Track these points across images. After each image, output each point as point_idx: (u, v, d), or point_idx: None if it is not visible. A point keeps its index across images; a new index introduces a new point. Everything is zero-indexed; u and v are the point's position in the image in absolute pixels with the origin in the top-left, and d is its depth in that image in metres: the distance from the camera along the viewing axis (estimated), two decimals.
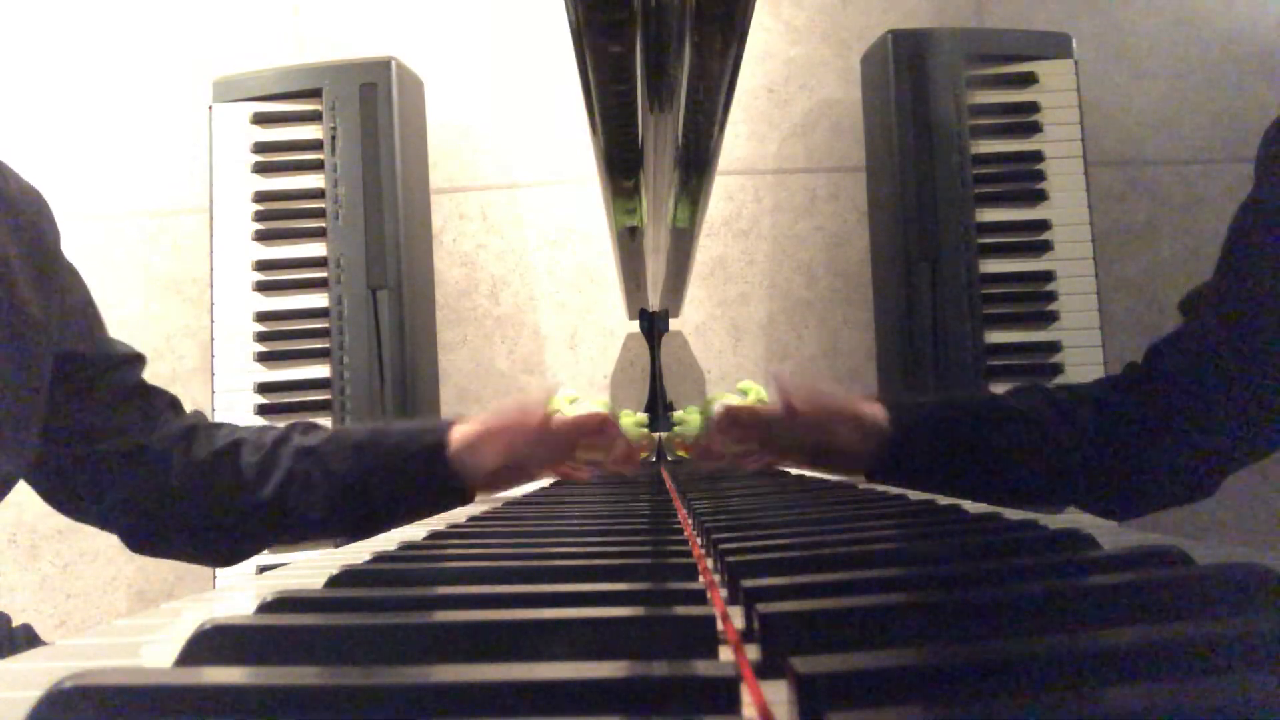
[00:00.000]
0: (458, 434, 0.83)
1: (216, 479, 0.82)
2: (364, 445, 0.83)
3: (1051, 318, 1.41)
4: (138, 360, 0.86)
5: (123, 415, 0.82)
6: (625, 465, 0.92)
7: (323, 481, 0.81)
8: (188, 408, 0.90)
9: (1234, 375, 0.75)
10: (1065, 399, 0.82)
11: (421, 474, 0.82)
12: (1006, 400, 0.84)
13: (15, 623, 0.78)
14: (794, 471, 0.93)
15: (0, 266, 0.70)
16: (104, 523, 0.85)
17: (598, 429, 0.87)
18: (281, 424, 0.88)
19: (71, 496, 0.83)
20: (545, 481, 0.94)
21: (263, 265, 1.45)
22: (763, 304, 1.64)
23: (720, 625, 0.28)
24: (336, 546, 0.97)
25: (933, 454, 0.80)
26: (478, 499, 0.85)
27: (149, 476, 0.81)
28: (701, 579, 0.34)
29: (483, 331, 1.64)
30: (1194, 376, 0.77)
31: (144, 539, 0.86)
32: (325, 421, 1.41)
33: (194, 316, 1.63)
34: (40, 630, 0.81)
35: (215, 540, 0.87)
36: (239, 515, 0.83)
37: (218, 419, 1.41)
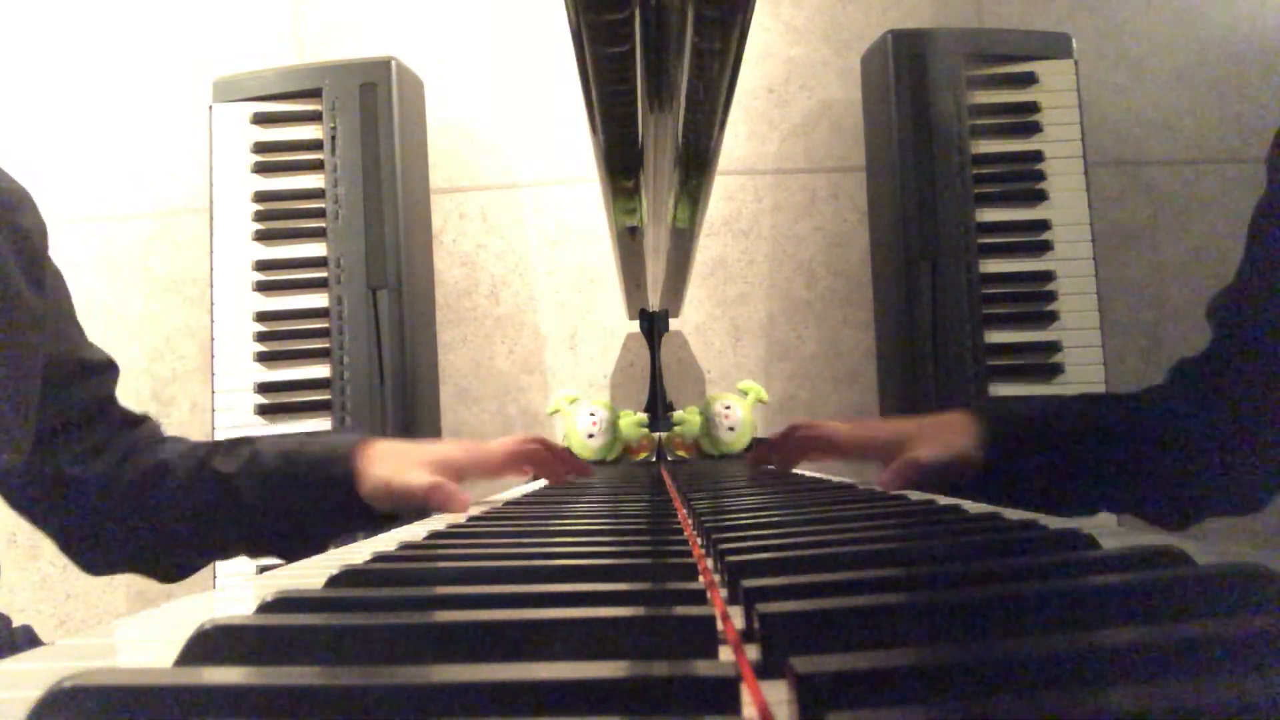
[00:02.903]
0: (372, 457, 0.80)
1: (141, 505, 0.82)
2: (274, 475, 0.81)
3: (1051, 318, 1.41)
4: (111, 369, 0.86)
5: (80, 433, 0.81)
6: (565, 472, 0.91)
7: (238, 513, 0.81)
8: (188, 408, 0.90)
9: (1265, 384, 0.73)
10: (1127, 406, 0.79)
11: (333, 505, 0.80)
12: (1079, 405, 0.82)
13: (15, 624, 0.78)
14: (794, 471, 0.93)
15: None
16: (55, 540, 0.84)
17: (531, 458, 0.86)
18: (210, 440, 0.86)
19: (28, 508, 0.83)
20: (542, 482, 0.94)
21: (263, 265, 1.45)
22: (763, 304, 1.64)
23: (720, 625, 0.28)
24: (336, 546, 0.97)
25: (1031, 466, 0.77)
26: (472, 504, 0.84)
27: (85, 503, 0.81)
28: (701, 579, 0.34)
29: (483, 331, 1.64)
30: (1243, 389, 0.75)
31: (90, 561, 0.86)
32: (325, 423, 1.42)
33: (194, 316, 1.63)
34: (40, 630, 0.81)
35: (154, 562, 0.87)
36: (167, 540, 0.83)
37: (218, 419, 1.41)
